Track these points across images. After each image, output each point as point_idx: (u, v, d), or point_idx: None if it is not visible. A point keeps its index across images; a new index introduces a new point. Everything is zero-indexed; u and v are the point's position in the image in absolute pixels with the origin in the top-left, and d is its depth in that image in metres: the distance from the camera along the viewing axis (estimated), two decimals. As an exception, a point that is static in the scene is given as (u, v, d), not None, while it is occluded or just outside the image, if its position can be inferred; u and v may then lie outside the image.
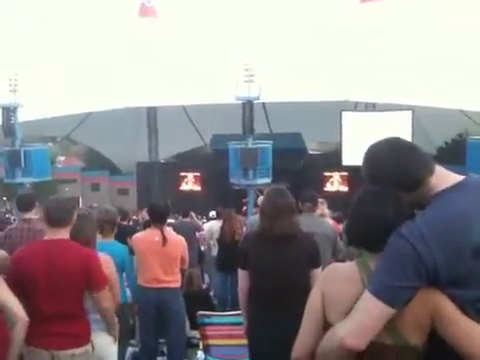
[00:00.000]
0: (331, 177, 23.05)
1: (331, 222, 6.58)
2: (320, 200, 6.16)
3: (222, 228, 7.29)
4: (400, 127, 19.67)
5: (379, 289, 1.46)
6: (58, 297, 2.74)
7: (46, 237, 2.86)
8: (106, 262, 3.11)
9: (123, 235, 6.10)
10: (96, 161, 30.79)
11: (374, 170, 1.62)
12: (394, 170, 1.56)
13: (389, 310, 1.45)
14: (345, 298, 1.55)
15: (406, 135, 19.65)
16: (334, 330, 1.52)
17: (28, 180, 18.93)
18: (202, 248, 9.16)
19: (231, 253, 6.85)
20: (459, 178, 1.55)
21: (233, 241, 7.02)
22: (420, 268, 1.43)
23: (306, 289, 2.88)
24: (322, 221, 4.72)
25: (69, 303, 2.77)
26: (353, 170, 21.16)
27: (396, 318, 1.47)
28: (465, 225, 1.44)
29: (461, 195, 1.49)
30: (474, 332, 1.43)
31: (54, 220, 2.82)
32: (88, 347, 2.84)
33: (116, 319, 3.16)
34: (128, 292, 4.46)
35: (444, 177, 1.56)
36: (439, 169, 1.58)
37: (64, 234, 2.84)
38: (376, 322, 1.46)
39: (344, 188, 22.63)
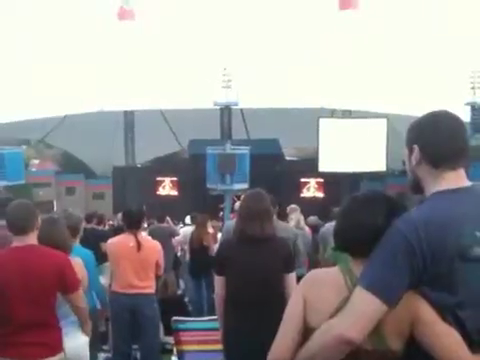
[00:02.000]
0: (308, 183, 23.15)
1: (307, 229, 6.63)
2: (293, 206, 6.17)
3: (192, 233, 7.32)
4: (376, 134, 19.96)
5: (372, 283, 1.44)
6: (33, 305, 2.71)
7: (14, 244, 2.81)
8: (78, 265, 3.15)
9: (97, 240, 6.03)
10: (71, 165, 30.31)
11: (410, 130, 1.61)
12: (424, 135, 1.57)
13: (382, 305, 1.42)
14: (329, 303, 1.53)
15: (381, 141, 20.03)
16: (329, 326, 1.48)
17: (1, 184, 18.56)
18: (178, 254, 9.12)
19: (200, 258, 6.90)
20: (467, 183, 1.56)
21: (201, 247, 7.05)
22: (412, 260, 1.43)
23: (281, 294, 2.90)
24: (283, 224, 4.72)
25: (44, 312, 2.76)
26: (329, 176, 21.36)
27: (379, 322, 1.45)
28: (458, 226, 1.45)
29: (462, 198, 1.51)
30: (451, 338, 1.43)
31: (17, 228, 2.79)
32: (61, 355, 2.83)
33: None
34: (95, 298, 4.38)
35: (458, 179, 1.55)
36: (461, 172, 1.57)
37: (31, 239, 2.80)
38: (370, 316, 1.43)
39: (320, 194, 22.78)
